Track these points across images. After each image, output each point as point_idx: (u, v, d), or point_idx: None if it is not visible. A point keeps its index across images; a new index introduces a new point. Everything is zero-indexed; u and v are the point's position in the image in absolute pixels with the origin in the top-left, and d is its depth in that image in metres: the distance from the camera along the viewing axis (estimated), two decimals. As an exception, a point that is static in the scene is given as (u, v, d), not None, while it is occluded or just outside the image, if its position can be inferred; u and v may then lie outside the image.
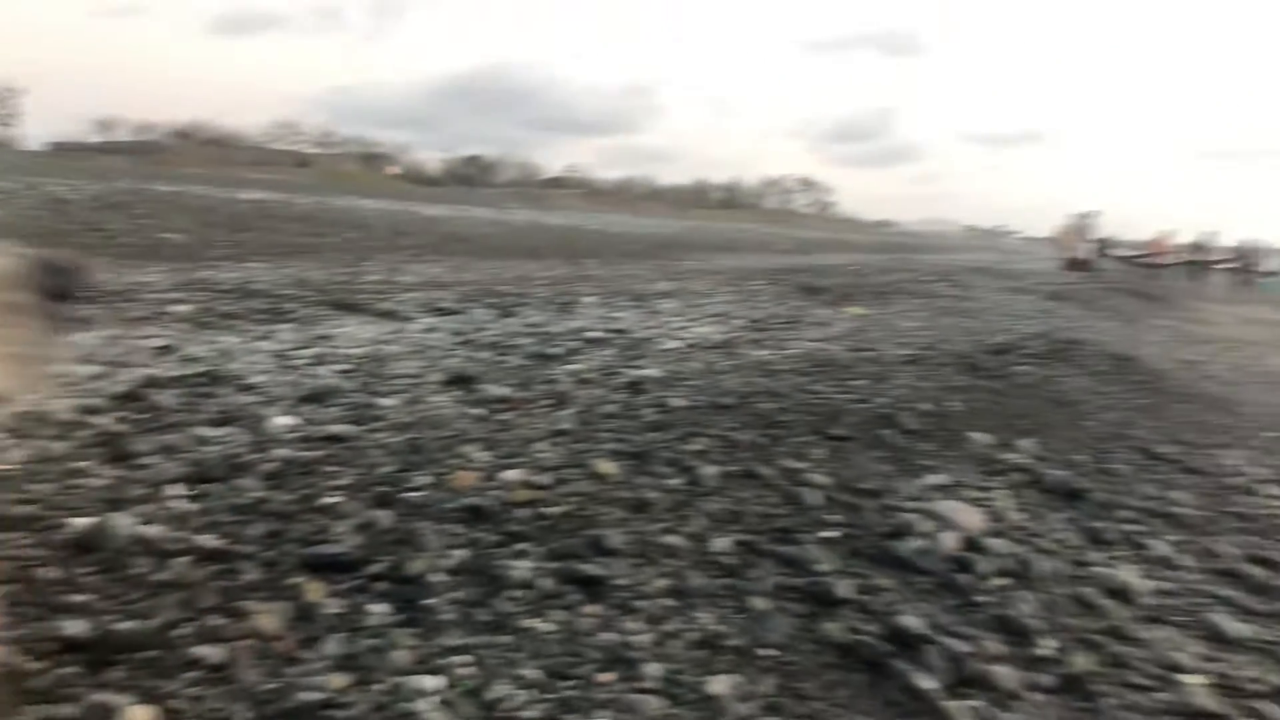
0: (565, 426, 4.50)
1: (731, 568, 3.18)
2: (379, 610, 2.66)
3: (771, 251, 29.96)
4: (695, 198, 79.11)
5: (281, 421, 4.19)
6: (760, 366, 6.64)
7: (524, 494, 3.50)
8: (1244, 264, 32.04)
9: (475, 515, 3.29)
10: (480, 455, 3.93)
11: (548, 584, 2.88)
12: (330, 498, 3.34)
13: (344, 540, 3.01)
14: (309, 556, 2.88)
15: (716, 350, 7.53)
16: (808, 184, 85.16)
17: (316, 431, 4.10)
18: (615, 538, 3.22)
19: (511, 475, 3.68)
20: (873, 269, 21.01)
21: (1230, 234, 32.91)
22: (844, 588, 3.13)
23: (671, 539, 3.32)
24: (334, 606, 2.64)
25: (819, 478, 4.13)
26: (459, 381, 5.30)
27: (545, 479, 3.68)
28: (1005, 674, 2.78)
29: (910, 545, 3.51)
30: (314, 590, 2.69)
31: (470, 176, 73.69)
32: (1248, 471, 5.66)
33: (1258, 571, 4.07)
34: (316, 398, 4.67)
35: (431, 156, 79.17)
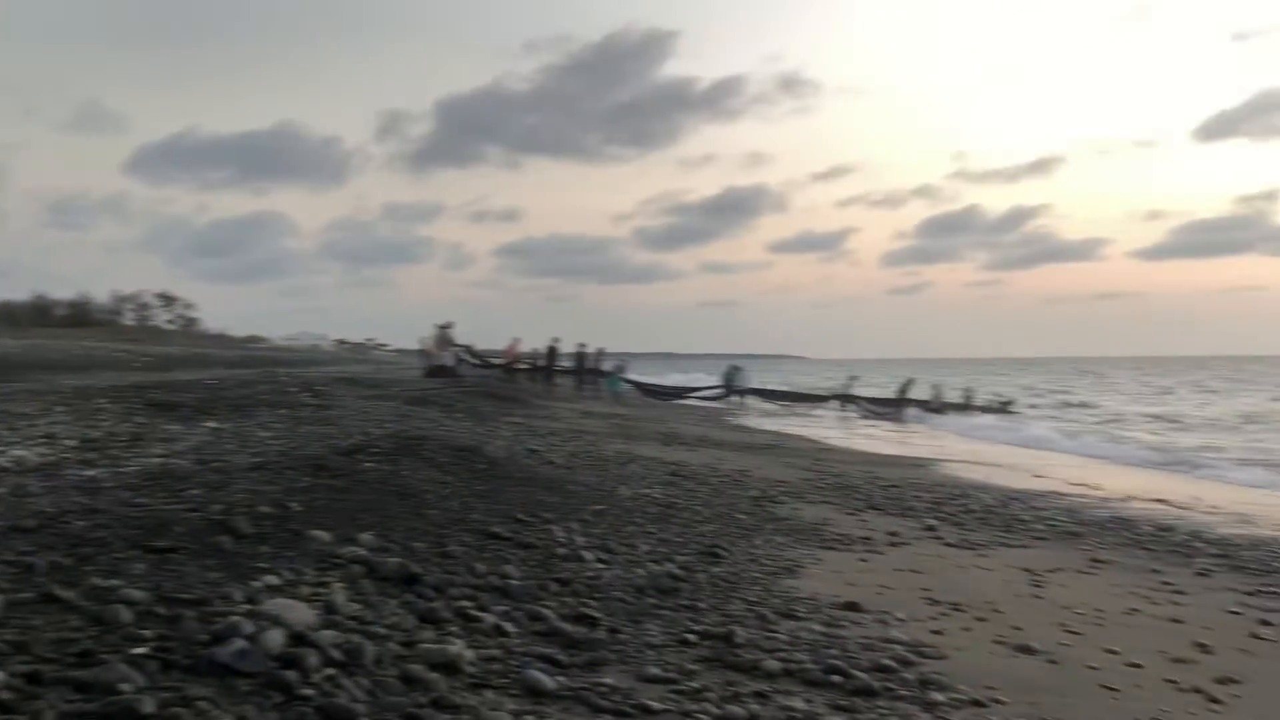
0: None
1: (8, 703, 2.74)
2: None
3: (125, 369, 27.71)
4: (35, 315, 70.83)
5: None
6: (83, 485, 5.99)
7: None
8: (586, 367, 35.95)
9: None
10: None
11: None
12: None
13: None
14: None
15: (34, 473, 6.68)
16: (168, 299, 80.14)
17: None
18: None
19: None
20: (235, 383, 20.25)
21: (570, 342, 36.76)
22: (150, 703, 2.83)
23: (-71, 684, 2.78)
24: None
25: (134, 593, 3.75)
26: None
27: None
28: (321, 764, 2.68)
29: (231, 649, 3.29)
30: None
31: None
32: (574, 541, 6.21)
33: (574, 628, 4.43)
34: None
35: None
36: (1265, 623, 5.95)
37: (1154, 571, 7.54)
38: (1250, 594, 6.86)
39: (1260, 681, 4.71)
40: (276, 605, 3.76)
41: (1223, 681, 4.63)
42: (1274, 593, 6.94)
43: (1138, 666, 4.79)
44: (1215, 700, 4.36)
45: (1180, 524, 10.44)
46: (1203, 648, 5.24)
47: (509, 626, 4.27)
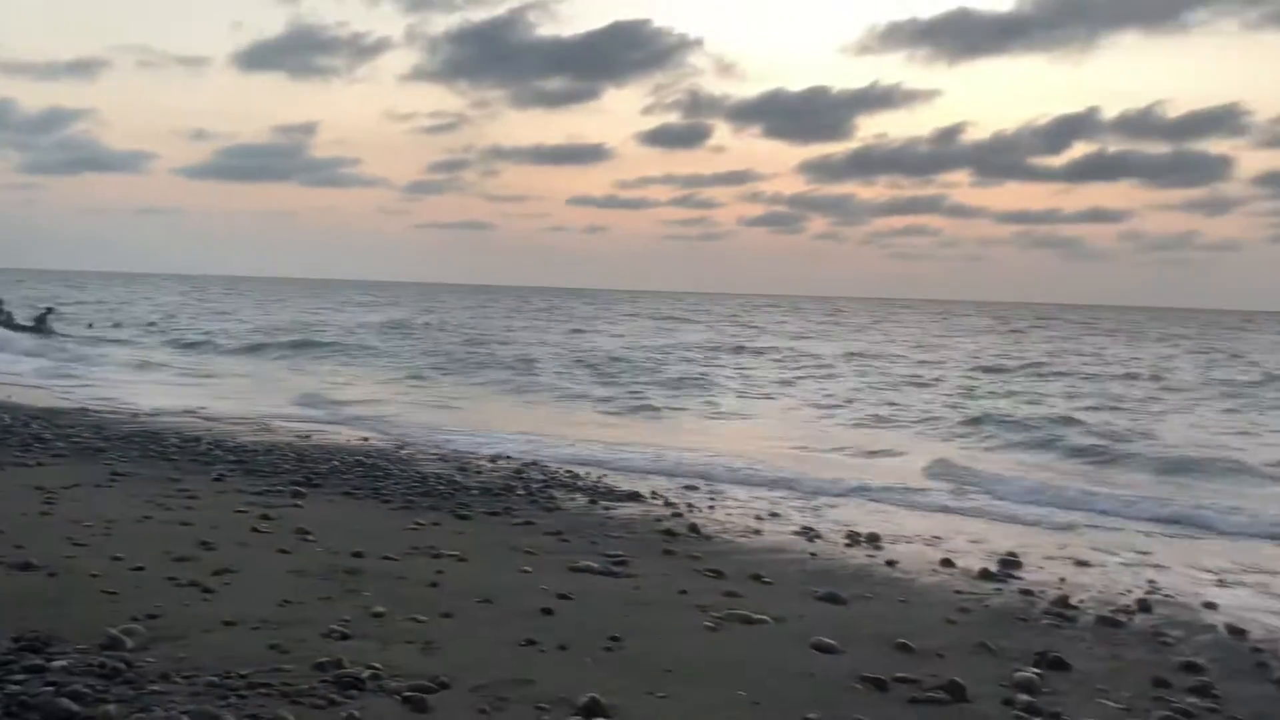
0: None
1: None
2: None
3: None
4: None
5: None
6: None
7: None
8: None
9: None
10: None
11: None
12: None
13: None
14: None
15: None
16: None
17: None
18: None
19: None
20: None
21: None
22: None
23: None
24: None
25: None
26: None
27: None
28: None
29: None
30: None
31: None
32: None
33: None
34: None
35: None
36: (266, 517, 6.56)
37: (172, 480, 7.82)
38: (258, 494, 7.50)
39: (251, 569, 5.20)
40: None
41: (219, 573, 5.02)
42: (279, 491, 7.68)
43: (141, 569, 4.96)
44: (209, 590, 4.71)
45: (206, 435, 10.93)
46: (206, 545, 5.60)
47: None
